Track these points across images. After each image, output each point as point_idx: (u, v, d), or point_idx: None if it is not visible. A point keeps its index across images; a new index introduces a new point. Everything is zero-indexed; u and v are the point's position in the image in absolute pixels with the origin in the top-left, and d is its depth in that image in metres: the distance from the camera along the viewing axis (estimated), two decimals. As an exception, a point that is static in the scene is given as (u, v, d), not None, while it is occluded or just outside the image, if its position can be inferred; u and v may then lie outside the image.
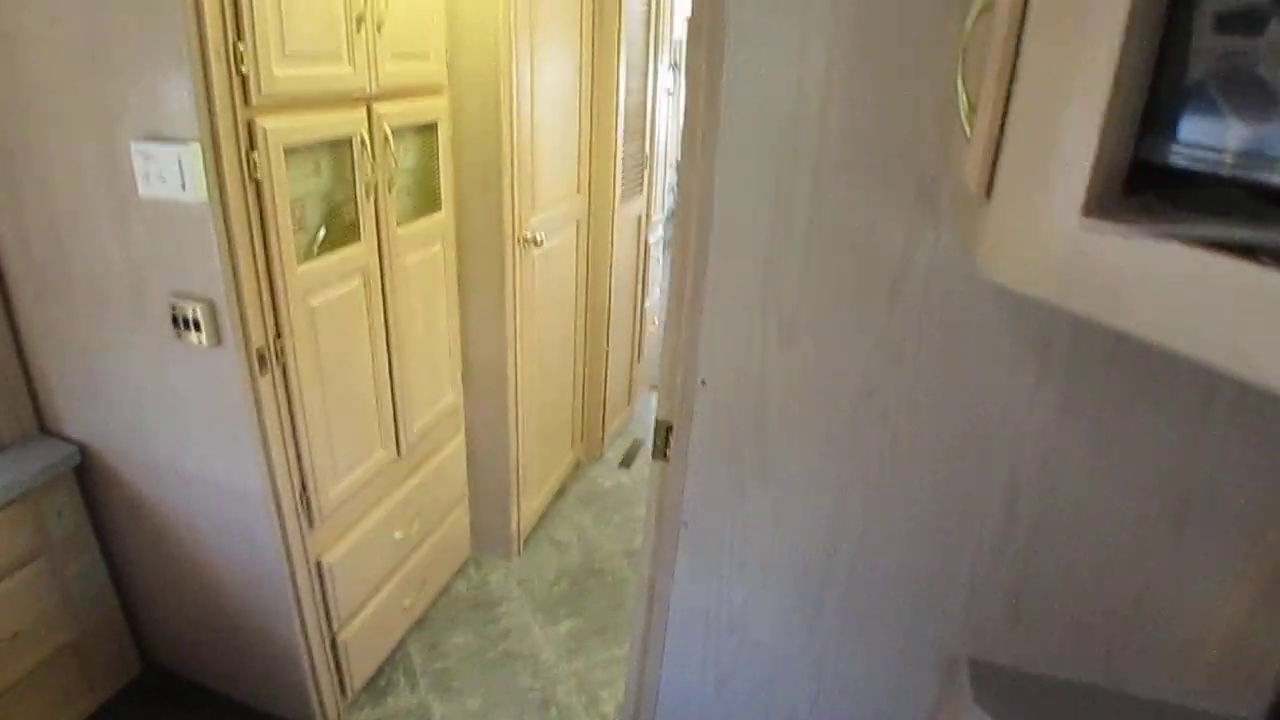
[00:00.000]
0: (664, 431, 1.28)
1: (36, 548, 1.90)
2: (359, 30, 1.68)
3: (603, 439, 3.42)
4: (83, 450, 1.93)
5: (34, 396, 1.95)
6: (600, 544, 2.91)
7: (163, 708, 2.20)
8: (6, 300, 1.84)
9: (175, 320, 1.54)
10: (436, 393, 2.25)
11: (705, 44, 1.03)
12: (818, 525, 1.22)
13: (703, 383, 1.21)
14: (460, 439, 2.46)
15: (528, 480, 2.74)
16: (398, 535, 2.15)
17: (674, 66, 3.79)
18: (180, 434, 1.72)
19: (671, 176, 3.94)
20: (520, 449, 2.61)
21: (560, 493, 3.20)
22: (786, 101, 1.01)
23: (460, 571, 2.71)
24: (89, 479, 1.98)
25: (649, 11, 3.06)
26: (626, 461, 3.47)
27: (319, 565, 1.87)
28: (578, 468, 3.38)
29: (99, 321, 1.70)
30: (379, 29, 1.74)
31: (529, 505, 2.81)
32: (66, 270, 1.68)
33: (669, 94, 3.64)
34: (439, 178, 2.15)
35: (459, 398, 2.41)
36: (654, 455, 1.32)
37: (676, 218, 1.16)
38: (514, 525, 2.71)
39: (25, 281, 1.78)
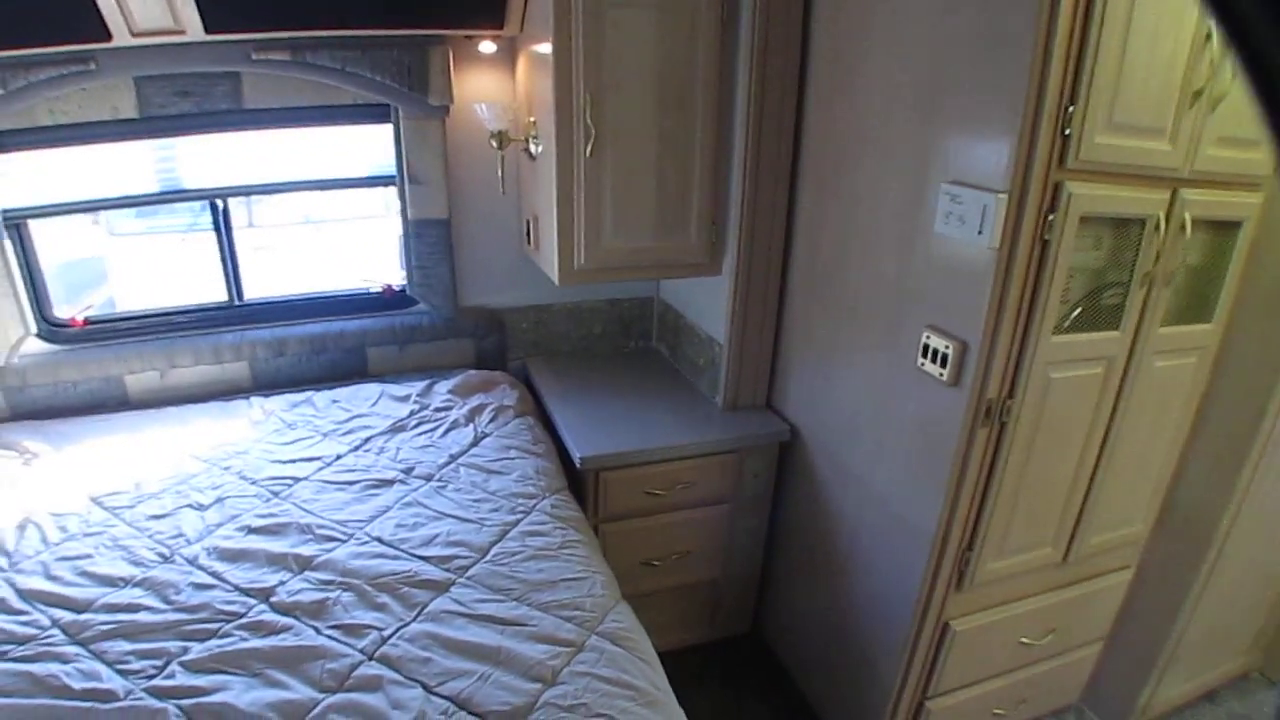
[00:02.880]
0: None
1: (728, 494, 2.45)
2: (1190, 107, 1.67)
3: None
4: (792, 431, 2.39)
5: (771, 375, 2.50)
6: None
7: (750, 670, 2.62)
8: (781, 293, 2.39)
9: (924, 350, 1.79)
10: (1124, 515, 2.13)
11: None
12: None
13: None
14: (1126, 576, 2.28)
15: (1180, 660, 2.39)
16: (1024, 640, 2.12)
17: None
18: (881, 450, 2.01)
19: None
20: (1191, 619, 2.29)
21: (1214, 698, 2.70)
22: None
23: (1058, 713, 2.53)
24: (787, 458, 2.45)
25: None
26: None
27: (945, 627, 1.97)
28: (1246, 680, 2.79)
29: (850, 331, 2.08)
30: (1213, 108, 1.70)
31: (1168, 690, 2.45)
32: (841, 278, 2.09)
33: None
34: (1221, 284, 2.01)
35: (1144, 531, 2.23)
36: None
37: None
38: (1140, 701, 2.40)
39: (802, 281, 2.29)
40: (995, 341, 1.66)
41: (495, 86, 2.57)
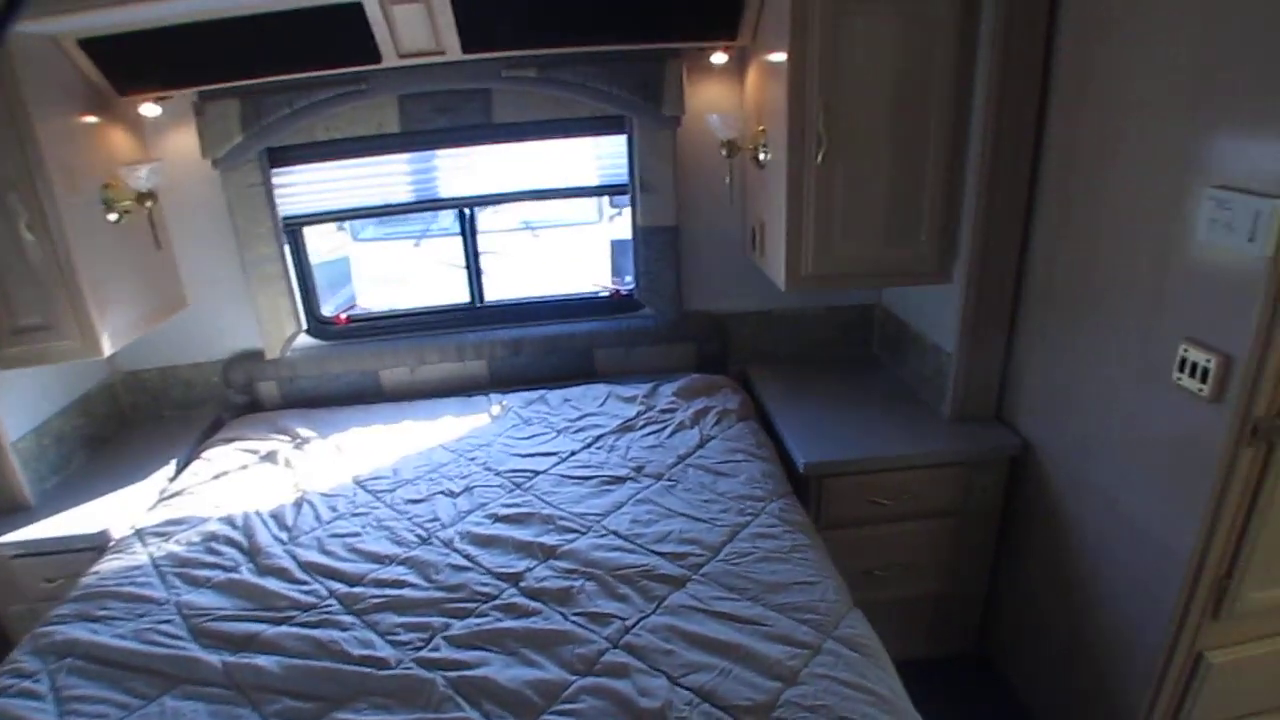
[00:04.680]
0: None
1: (953, 507, 2.49)
2: None
3: None
4: (1025, 445, 2.41)
5: (1002, 387, 2.52)
6: None
7: (975, 688, 2.64)
8: (1015, 304, 2.40)
9: (1181, 364, 1.78)
10: None
11: None
12: None
13: None
14: None
15: None
16: (1290, 682, 2.03)
17: None
18: (1130, 468, 1.99)
19: None
20: None
21: None
22: None
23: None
24: (1019, 472, 2.46)
25: None
26: None
27: (1199, 657, 1.92)
28: None
29: (1093, 340, 2.07)
30: None
31: None
32: (1084, 287, 2.09)
33: None
34: None
35: None
36: None
37: None
38: None
39: (1039, 291, 2.30)
40: (1265, 356, 1.63)
41: (724, 96, 2.77)
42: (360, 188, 2.96)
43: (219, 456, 2.71)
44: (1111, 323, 2.01)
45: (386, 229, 6.47)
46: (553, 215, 6.43)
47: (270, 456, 2.70)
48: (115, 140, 2.57)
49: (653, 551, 2.06)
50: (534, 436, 2.69)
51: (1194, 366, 1.74)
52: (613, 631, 1.78)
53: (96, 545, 2.30)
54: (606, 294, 3.15)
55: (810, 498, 2.44)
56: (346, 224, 6.07)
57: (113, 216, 2.45)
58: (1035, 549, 2.43)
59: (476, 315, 3.15)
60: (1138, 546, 1.98)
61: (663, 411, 2.76)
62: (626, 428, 2.69)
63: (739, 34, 2.57)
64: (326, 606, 1.93)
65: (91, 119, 2.45)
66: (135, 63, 2.41)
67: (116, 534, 2.33)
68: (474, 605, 1.89)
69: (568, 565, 2.02)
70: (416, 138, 2.80)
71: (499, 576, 2.00)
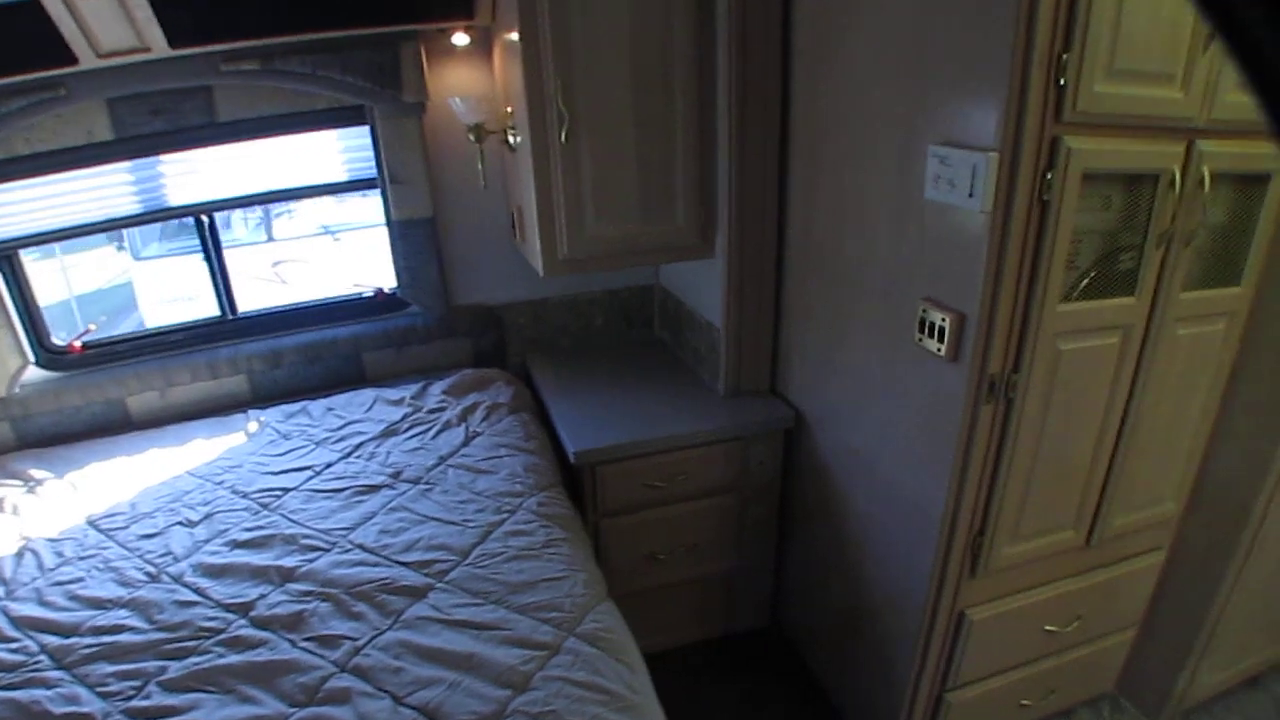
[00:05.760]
0: None
1: (732, 483, 2.33)
2: (1204, 50, 1.50)
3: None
4: (797, 417, 2.27)
5: (774, 359, 2.37)
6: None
7: (769, 663, 2.50)
8: (779, 271, 2.25)
9: (921, 324, 1.65)
10: (1152, 495, 1.96)
11: None
12: None
13: None
14: (1158, 558, 2.11)
15: (1219, 645, 2.22)
16: (1049, 628, 1.97)
17: None
18: (886, 430, 1.87)
19: None
20: (1229, 602, 2.12)
21: (1256, 683, 2.51)
22: None
23: (1092, 703, 2.37)
24: (794, 444, 2.32)
25: None
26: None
27: (961, 616, 1.83)
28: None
29: (848, 306, 1.94)
30: (1231, 53, 1.53)
31: (1207, 676, 2.28)
32: (837, 253, 1.96)
33: None
34: (1249, 244, 1.83)
35: (1176, 510, 2.06)
36: None
37: None
38: (1177, 688, 2.24)
39: (797, 257, 2.16)
40: (995, 313, 1.52)
41: (473, 80, 2.47)
42: (81, 203, 2.44)
43: None
44: (862, 288, 1.89)
45: (169, 244, 5.70)
46: (352, 217, 5.92)
47: (-2, 504, 2.20)
48: None
49: (397, 562, 1.79)
50: (290, 452, 2.31)
51: (932, 327, 1.63)
52: (341, 655, 1.55)
53: None
54: (371, 294, 2.78)
55: (586, 487, 2.20)
56: (125, 245, 5.32)
57: None
58: (813, 519, 2.31)
59: (228, 329, 2.69)
60: (898, 510, 1.87)
61: (430, 412, 2.45)
62: (390, 432, 2.36)
63: (476, 13, 2.28)
64: (35, 664, 1.61)
65: None
66: None
67: None
68: (195, 644, 1.61)
69: (304, 587, 1.74)
70: (133, 144, 2.34)
71: (228, 608, 1.71)
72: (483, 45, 2.44)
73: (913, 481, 1.79)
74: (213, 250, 2.61)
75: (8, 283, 2.44)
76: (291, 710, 1.42)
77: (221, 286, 2.65)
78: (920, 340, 1.66)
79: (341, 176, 2.63)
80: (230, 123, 2.37)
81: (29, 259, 2.52)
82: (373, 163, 2.54)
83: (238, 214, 6.13)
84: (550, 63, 1.94)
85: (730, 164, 2.09)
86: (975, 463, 1.63)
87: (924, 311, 1.64)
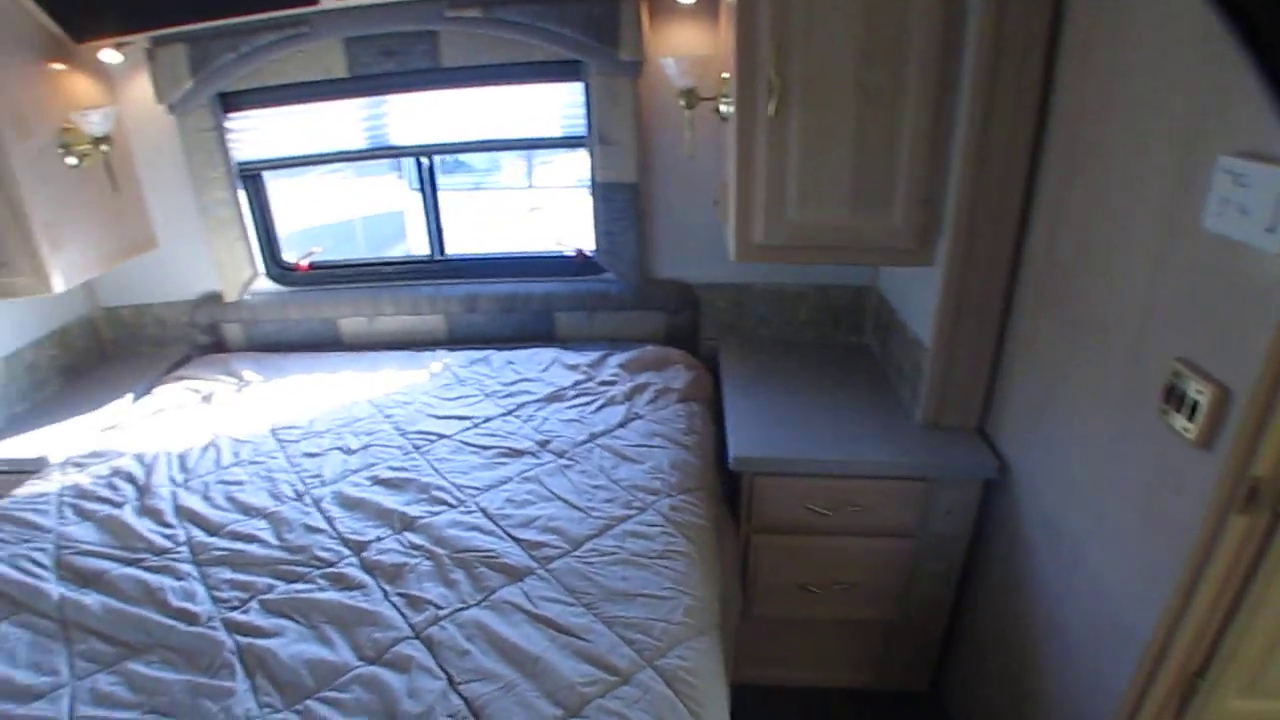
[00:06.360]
0: None
1: (910, 528, 2.01)
2: None
3: None
4: (1002, 467, 1.89)
5: (989, 395, 2.00)
6: None
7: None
8: (1010, 296, 1.87)
9: (1168, 393, 1.26)
10: None
11: None
12: None
13: None
14: None
15: None
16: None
17: None
18: (1101, 515, 1.48)
19: None
20: None
21: None
22: None
23: None
24: (994, 497, 1.95)
25: None
26: None
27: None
28: None
29: (1080, 352, 1.55)
30: None
31: None
32: (1079, 285, 1.56)
33: None
34: None
35: None
36: None
37: None
38: None
39: (1032, 282, 1.77)
40: (1277, 395, 1.10)
41: (695, 42, 2.30)
42: (317, 134, 2.66)
43: (165, 394, 2.55)
44: (1103, 333, 1.49)
45: (440, 179, 6.20)
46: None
47: (209, 398, 2.51)
48: (76, 86, 2.43)
49: (509, 536, 1.74)
50: (460, 398, 2.35)
51: (1182, 398, 1.23)
52: (421, 620, 1.53)
53: (34, 470, 2.20)
54: (571, 254, 2.74)
55: (743, 496, 2.01)
56: (405, 173, 5.81)
57: (71, 160, 2.34)
58: (1000, 592, 1.93)
59: (434, 269, 2.81)
60: (1098, 615, 1.48)
61: (601, 384, 2.37)
62: (555, 397, 2.31)
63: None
64: (176, 553, 1.77)
65: (49, 66, 2.31)
66: (85, 10, 2.25)
67: (53, 460, 2.22)
68: (305, 570, 1.68)
69: (417, 540, 1.74)
70: (364, 82, 2.48)
71: (345, 543, 1.76)
72: (710, 3, 2.25)
73: (1122, 588, 1.40)
74: (429, 191, 2.71)
75: (250, 201, 2.70)
76: (357, 663, 1.43)
77: (434, 227, 2.75)
78: (1165, 413, 1.27)
79: (555, 132, 2.59)
80: (453, 69, 2.41)
81: (277, 181, 2.79)
82: (584, 121, 2.46)
83: (507, 158, 6.49)
84: (766, 23, 1.71)
85: (966, 158, 1.74)
86: (1210, 585, 1.22)
87: (1176, 377, 1.24)
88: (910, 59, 1.73)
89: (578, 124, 2.51)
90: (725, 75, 2.06)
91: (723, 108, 2.07)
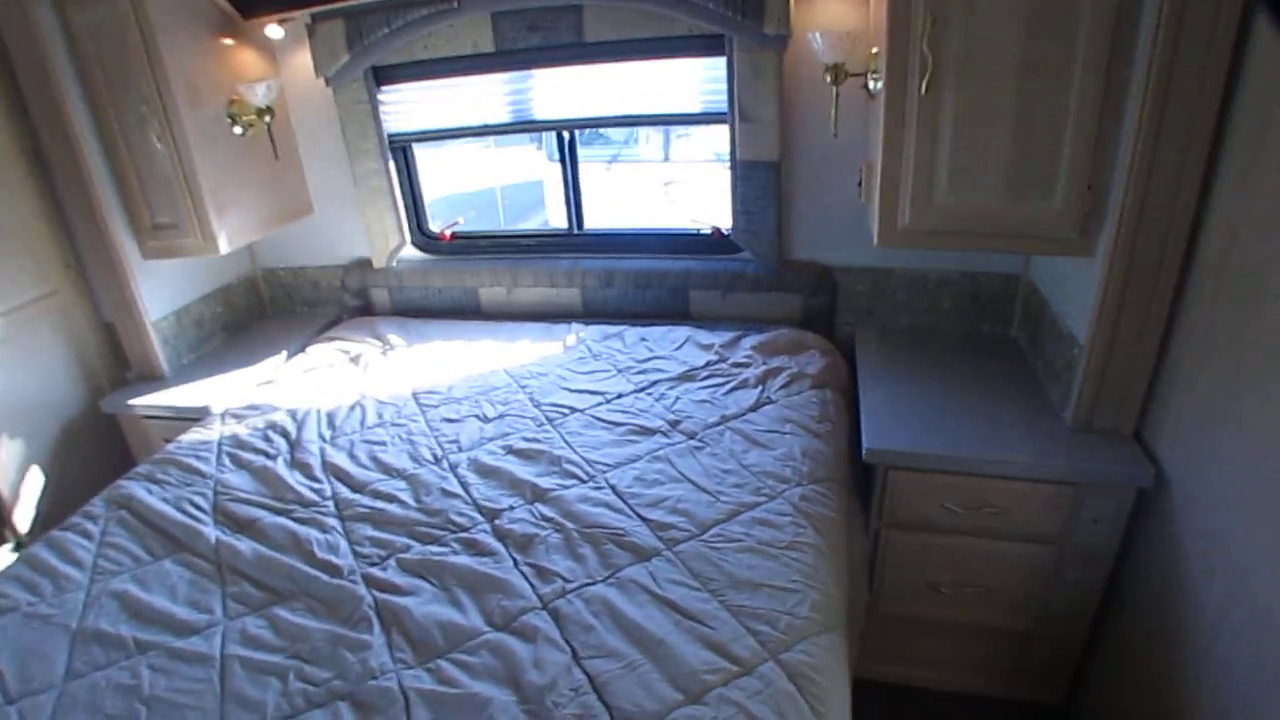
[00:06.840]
0: None
1: (1052, 534, 1.90)
2: None
3: None
4: (1159, 477, 1.75)
5: (1147, 398, 1.85)
6: None
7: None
8: (1178, 293, 1.71)
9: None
10: None
11: None
12: None
13: None
14: None
15: None
16: None
17: None
18: (1274, 542, 1.35)
19: None
20: None
21: None
22: None
23: None
24: (1146, 508, 1.81)
25: None
26: None
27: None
28: None
29: (1269, 362, 1.41)
30: None
31: None
32: (1265, 288, 1.42)
33: None
34: None
35: None
36: None
37: None
38: None
39: (1210, 278, 1.61)
40: None
41: (844, 16, 2.21)
42: (463, 108, 2.77)
43: (317, 353, 2.75)
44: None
45: (583, 150, 6.29)
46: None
47: (357, 359, 2.68)
48: (243, 60, 2.64)
49: (638, 515, 1.76)
50: (593, 373, 2.40)
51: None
52: (549, 591, 1.56)
53: (197, 417, 2.42)
54: (707, 232, 2.72)
55: (875, 489, 1.96)
56: (544, 144, 5.92)
57: (238, 130, 2.56)
58: (1150, 611, 1.79)
59: (572, 242, 2.88)
60: (1261, 646, 1.35)
61: (734, 365, 2.35)
62: (687, 377, 2.32)
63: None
64: (323, 507, 1.90)
65: (219, 40, 2.52)
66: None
67: (215, 410, 2.43)
68: (441, 534, 1.76)
69: (548, 512, 1.79)
70: (510, 57, 2.55)
71: (480, 509, 1.83)
72: (861, -23, 2.17)
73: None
74: (569, 165, 2.77)
75: (399, 171, 2.84)
76: (486, 629, 1.48)
77: (573, 201, 2.81)
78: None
79: (694, 108, 2.57)
80: (596, 43, 2.44)
81: (423, 150, 2.92)
82: (725, 97, 2.43)
83: (644, 131, 6.51)
84: (922, -8, 1.63)
85: (1137, 140, 1.60)
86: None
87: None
88: (1079, 29, 1.60)
89: (718, 100, 2.47)
90: (874, 51, 1.98)
91: (871, 85, 1.99)
